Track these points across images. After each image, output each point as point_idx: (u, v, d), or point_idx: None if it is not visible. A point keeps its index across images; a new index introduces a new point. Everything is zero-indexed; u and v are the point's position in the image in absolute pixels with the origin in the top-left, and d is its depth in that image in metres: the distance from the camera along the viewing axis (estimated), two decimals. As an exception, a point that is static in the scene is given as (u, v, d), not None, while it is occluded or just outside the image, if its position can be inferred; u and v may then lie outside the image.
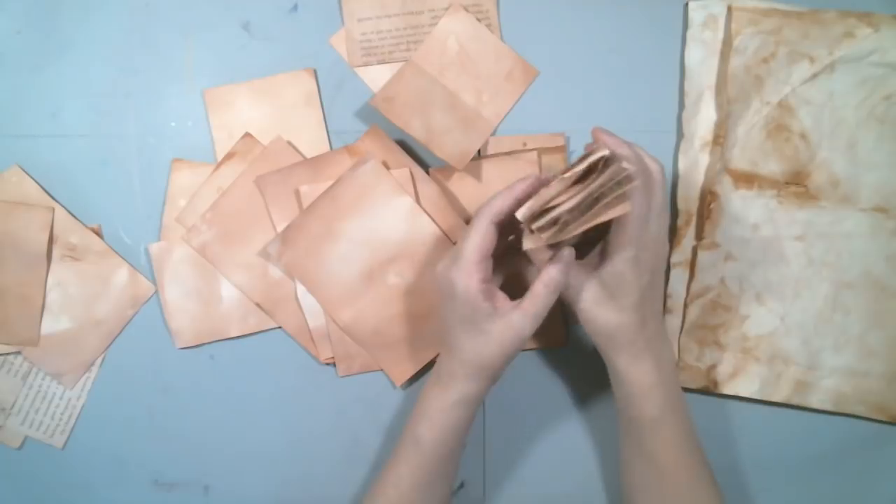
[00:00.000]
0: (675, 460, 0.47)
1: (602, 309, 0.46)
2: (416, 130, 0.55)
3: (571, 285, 0.46)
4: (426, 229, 0.55)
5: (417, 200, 0.55)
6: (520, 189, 0.45)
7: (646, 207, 0.44)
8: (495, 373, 0.47)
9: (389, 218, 0.55)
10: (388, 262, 0.55)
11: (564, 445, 0.57)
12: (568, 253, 0.45)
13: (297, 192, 0.55)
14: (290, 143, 0.56)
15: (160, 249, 0.56)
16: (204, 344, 0.56)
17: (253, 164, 0.56)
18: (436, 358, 0.54)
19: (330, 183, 0.55)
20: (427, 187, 0.56)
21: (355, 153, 0.56)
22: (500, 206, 0.45)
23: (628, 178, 0.40)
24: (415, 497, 0.47)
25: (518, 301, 0.45)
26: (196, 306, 0.56)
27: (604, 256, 0.45)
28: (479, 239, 0.44)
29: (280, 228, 0.55)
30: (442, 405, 0.47)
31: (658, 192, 0.46)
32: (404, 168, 0.56)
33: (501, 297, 0.46)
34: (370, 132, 0.56)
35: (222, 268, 0.56)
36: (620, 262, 0.44)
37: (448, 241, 0.55)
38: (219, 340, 0.56)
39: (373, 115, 0.56)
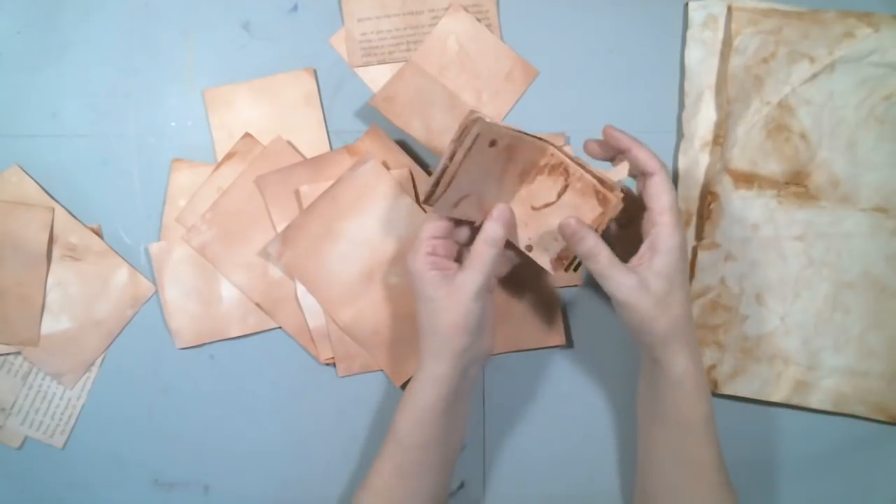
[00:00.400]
0: (711, 461, 0.47)
1: (666, 304, 0.44)
2: (416, 130, 0.55)
3: (626, 286, 0.43)
4: (426, 229, 0.55)
5: (417, 200, 0.55)
6: None
7: (675, 197, 0.44)
8: (457, 345, 0.45)
9: (390, 218, 0.55)
10: (388, 262, 0.55)
11: (564, 445, 0.57)
12: (503, 208, 0.45)
13: (297, 192, 0.55)
14: (290, 143, 0.56)
15: (160, 249, 0.56)
16: (204, 344, 0.56)
17: (253, 164, 0.56)
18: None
19: (330, 183, 0.55)
20: (427, 187, 0.56)
21: (355, 153, 0.56)
22: None
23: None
24: (396, 485, 0.47)
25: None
26: (196, 306, 0.56)
27: (655, 251, 0.44)
28: (434, 220, 0.46)
29: (280, 228, 0.55)
30: (413, 388, 0.47)
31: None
32: (404, 168, 0.56)
33: (453, 266, 0.46)
34: (370, 132, 0.56)
35: (222, 268, 0.56)
36: (677, 250, 0.43)
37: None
38: (219, 340, 0.56)
39: (373, 115, 0.56)
